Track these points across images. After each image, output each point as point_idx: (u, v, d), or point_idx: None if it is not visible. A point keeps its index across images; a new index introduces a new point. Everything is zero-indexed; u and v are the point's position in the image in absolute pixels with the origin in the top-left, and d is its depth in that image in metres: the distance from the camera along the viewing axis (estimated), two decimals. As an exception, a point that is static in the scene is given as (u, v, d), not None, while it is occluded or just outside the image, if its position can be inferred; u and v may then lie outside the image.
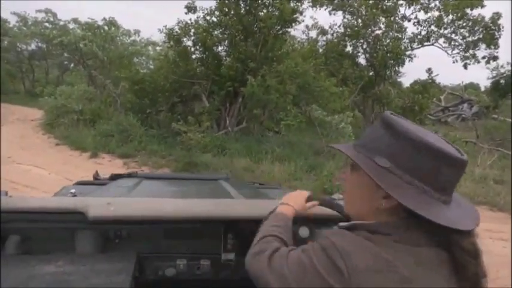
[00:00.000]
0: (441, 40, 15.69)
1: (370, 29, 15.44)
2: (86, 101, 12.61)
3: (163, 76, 10.95)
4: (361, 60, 16.66)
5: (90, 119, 12.49)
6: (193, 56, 11.47)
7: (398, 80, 18.68)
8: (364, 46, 15.95)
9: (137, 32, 18.15)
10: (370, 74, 15.76)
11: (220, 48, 11.51)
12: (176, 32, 11.03)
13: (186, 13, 11.12)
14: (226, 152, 9.83)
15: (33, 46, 27.33)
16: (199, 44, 11.16)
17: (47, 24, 15.96)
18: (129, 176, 2.54)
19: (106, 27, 16.26)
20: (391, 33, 15.56)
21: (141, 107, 12.19)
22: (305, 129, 10.81)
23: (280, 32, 10.87)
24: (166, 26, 10.93)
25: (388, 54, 15.00)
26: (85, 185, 2.40)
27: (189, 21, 11.08)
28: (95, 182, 2.52)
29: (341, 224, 0.89)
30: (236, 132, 11.09)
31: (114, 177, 2.54)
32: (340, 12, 16.33)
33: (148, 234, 1.40)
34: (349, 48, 16.68)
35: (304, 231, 1.43)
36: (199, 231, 1.44)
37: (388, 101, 14.91)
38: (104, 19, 15.94)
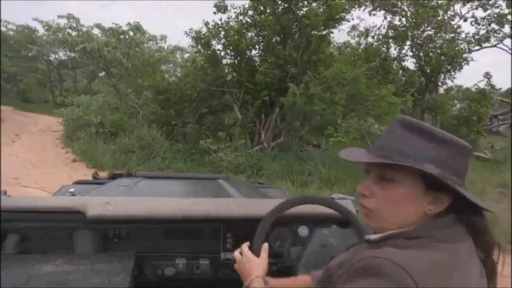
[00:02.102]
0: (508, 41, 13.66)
1: (420, 30, 13.72)
2: (107, 111, 11.49)
3: (190, 84, 9.67)
4: (409, 64, 14.94)
5: (111, 132, 11.38)
6: (224, 62, 10.13)
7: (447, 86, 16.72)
8: (413, 49, 14.23)
9: (164, 37, 17.09)
10: (421, 79, 13.95)
11: (254, 52, 10.12)
12: (204, 34, 9.73)
13: (214, 13, 9.82)
14: (263, 173, 8.37)
15: (61, 55, 27.12)
16: (231, 48, 9.81)
17: (69, 30, 15.12)
18: (128, 175, 2.50)
19: (131, 33, 15.28)
20: (444, 34, 13.77)
21: (165, 119, 10.96)
22: (351, 143, 9.25)
23: (325, 32, 9.37)
24: (192, 28, 9.68)
25: (442, 57, 13.22)
26: (84, 184, 2.37)
27: (219, 22, 9.78)
28: (94, 181, 2.48)
29: (371, 237, 0.81)
30: (272, 148, 9.62)
31: (114, 176, 2.54)
32: (381, 13, 14.78)
33: (148, 234, 1.39)
34: (393, 51, 15.02)
35: (303, 230, 1.40)
36: (198, 230, 1.43)
37: (443, 110, 13.07)
38: (129, 24, 14.95)
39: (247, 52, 9.90)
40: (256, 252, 1.09)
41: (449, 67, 13.36)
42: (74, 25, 15.07)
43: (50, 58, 27.43)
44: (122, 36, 15.23)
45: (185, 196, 1.82)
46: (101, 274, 1.13)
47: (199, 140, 9.70)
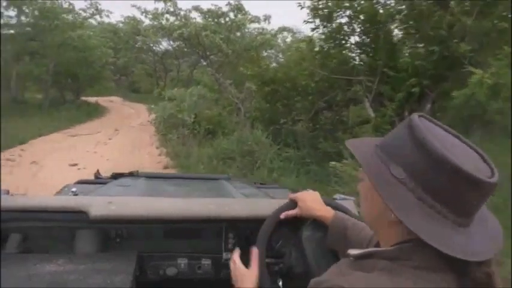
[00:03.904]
0: None
1: None
2: (203, 107, 9.75)
3: (307, 72, 7.27)
4: None
5: (207, 130, 9.65)
6: (351, 40, 7.50)
7: None
8: None
9: (267, 18, 14.90)
10: None
11: (395, 24, 7.27)
12: (325, 3, 7.21)
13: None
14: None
15: (165, 44, 27.02)
16: (361, 19, 7.14)
17: (167, 15, 13.88)
18: (131, 175, 2.43)
19: (232, 15, 13.44)
20: None
21: (271, 116, 8.82)
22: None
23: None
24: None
25: None
26: (86, 183, 2.36)
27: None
28: (96, 181, 2.47)
29: (352, 252, 0.77)
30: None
31: (116, 176, 2.48)
32: None
33: (149, 234, 1.39)
34: None
35: (306, 231, 1.29)
36: (200, 230, 1.43)
37: None
38: (229, 4, 13.09)
39: (386, 25, 7.08)
40: (260, 253, 1.08)
41: None
42: (172, 9, 13.79)
43: (155, 48, 27.47)
44: (221, 19, 13.46)
45: (187, 196, 1.76)
46: (102, 274, 1.12)
47: (313, 143, 7.37)
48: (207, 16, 13.34)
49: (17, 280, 1.06)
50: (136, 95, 30.76)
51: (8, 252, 1.23)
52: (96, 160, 8.55)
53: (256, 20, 14.52)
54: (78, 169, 7.89)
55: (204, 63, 20.21)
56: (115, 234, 1.35)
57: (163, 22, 13.77)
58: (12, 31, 16.13)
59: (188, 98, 9.44)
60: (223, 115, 10.60)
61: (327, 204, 1.23)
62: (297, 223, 1.27)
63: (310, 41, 7.49)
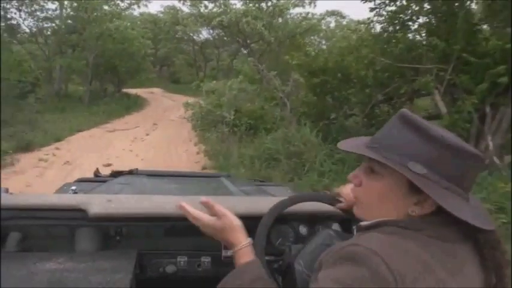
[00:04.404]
0: None
1: None
2: (243, 101, 8.90)
3: (367, 60, 6.19)
4: None
5: (248, 125, 8.81)
6: (419, 20, 6.29)
7: None
8: None
9: (312, 0, 13.74)
10: None
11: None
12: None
13: None
14: (506, 211, 4.52)
15: (204, 34, 26.47)
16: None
17: (206, 2, 13.09)
18: (130, 173, 2.43)
19: (274, -2, 12.42)
20: None
21: (320, 111, 7.82)
22: None
23: None
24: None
25: None
26: (86, 182, 2.38)
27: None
28: (96, 179, 2.48)
29: (362, 223, 0.81)
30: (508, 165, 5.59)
31: (115, 174, 2.47)
32: None
33: (149, 232, 1.39)
34: None
35: (305, 228, 1.38)
36: (200, 228, 1.33)
37: None
38: (271, -14, 12.08)
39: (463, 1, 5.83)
40: (260, 251, 1.03)
41: None
42: (209, -5, 13.00)
43: (194, 38, 26.99)
44: (263, 4, 12.50)
45: (187, 194, 1.74)
46: (102, 272, 1.11)
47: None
48: (247, 1, 12.40)
49: (17, 279, 1.05)
50: (177, 85, 30.50)
51: (7, 250, 1.22)
52: (130, 159, 8.00)
53: (300, 3, 13.41)
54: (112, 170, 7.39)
55: (245, 51, 19.41)
56: (115, 233, 1.35)
57: (202, 10, 13.00)
58: (53, 24, 16.07)
59: (228, 91, 8.59)
60: (265, 109, 9.72)
61: (327, 201, 1.23)
62: (296, 221, 1.33)
63: (369, 23, 6.35)
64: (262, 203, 1.35)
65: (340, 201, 1.16)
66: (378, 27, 6.46)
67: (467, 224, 0.67)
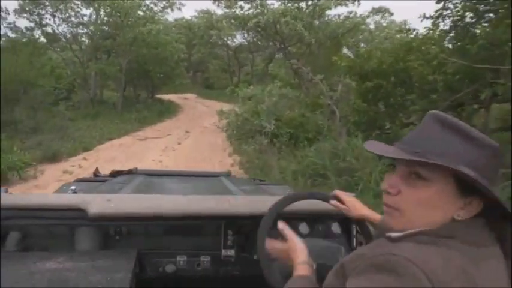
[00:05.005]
0: None
1: None
2: (284, 108, 8.03)
3: (434, 62, 5.16)
4: None
5: (289, 135, 7.93)
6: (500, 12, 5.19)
7: None
8: None
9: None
10: None
11: None
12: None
13: None
14: None
15: (239, 38, 25.87)
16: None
17: (241, 3, 12.36)
18: (130, 172, 2.45)
19: (315, -3, 11.51)
20: None
21: (372, 120, 6.83)
22: None
23: None
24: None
25: None
26: (85, 182, 2.36)
27: None
28: (96, 179, 2.47)
29: (392, 234, 0.73)
30: None
31: (114, 174, 2.48)
32: None
33: (149, 231, 1.39)
34: None
35: (304, 228, 1.37)
36: (199, 227, 1.43)
37: None
38: (312, -16, 11.18)
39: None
40: (261, 249, 1.06)
41: None
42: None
43: (228, 42, 26.45)
44: (303, 3, 11.64)
45: (186, 193, 1.69)
46: (102, 271, 1.12)
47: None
48: (286, 1, 11.57)
49: (17, 278, 1.05)
50: (211, 91, 30.10)
51: (7, 250, 1.21)
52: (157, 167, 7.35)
53: (343, 2, 12.43)
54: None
55: (280, 55, 18.56)
56: (114, 232, 1.33)
57: (237, 11, 12.28)
58: (87, 30, 15.90)
59: (267, 98, 7.70)
60: (306, 116, 8.80)
61: (327, 200, 1.25)
62: (296, 220, 1.30)
63: (438, 16, 5.28)
64: (262, 202, 1.34)
65: (334, 199, 1.18)
66: (440, 25, 5.39)
67: (502, 225, 0.68)
